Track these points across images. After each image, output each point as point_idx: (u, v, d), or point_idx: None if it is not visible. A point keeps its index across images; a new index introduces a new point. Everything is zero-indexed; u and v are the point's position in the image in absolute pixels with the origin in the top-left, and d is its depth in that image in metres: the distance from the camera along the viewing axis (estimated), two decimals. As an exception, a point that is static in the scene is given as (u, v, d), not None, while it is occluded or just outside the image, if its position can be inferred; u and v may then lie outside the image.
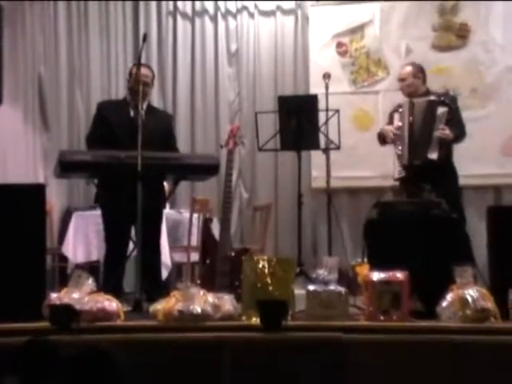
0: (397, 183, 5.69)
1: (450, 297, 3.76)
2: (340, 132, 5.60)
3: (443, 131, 5.49)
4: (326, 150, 5.77)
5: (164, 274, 6.15)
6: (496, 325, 3.62)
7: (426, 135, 5.53)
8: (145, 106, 5.15)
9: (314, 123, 5.63)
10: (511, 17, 7.35)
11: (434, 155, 5.50)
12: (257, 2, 7.98)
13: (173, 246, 6.54)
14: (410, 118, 5.55)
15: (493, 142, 7.26)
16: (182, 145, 7.78)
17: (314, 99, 5.79)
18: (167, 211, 6.73)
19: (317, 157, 6.57)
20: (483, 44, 7.41)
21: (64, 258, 6.71)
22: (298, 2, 7.89)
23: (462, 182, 5.89)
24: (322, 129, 5.71)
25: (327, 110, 5.70)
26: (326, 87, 5.82)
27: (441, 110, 5.55)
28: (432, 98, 5.69)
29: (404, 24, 7.56)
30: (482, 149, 7.10)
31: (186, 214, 6.60)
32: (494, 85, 7.36)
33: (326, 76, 5.94)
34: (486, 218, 4.27)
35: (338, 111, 5.63)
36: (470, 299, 3.69)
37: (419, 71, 5.83)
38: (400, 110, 5.70)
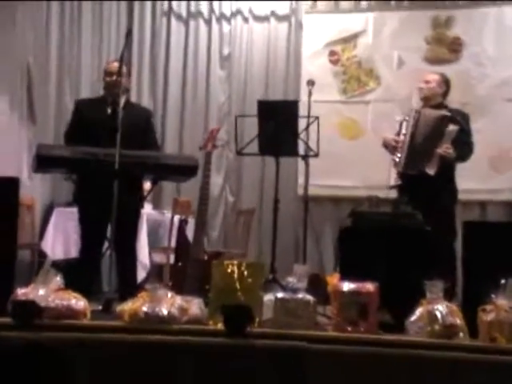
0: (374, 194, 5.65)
1: (418, 311, 3.70)
2: (319, 139, 5.53)
3: (447, 150, 5.46)
4: (305, 157, 5.72)
5: (142, 274, 6.12)
6: (462, 342, 3.56)
7: (428, 148, 5.51)
8: (122, 103, 5.07)
9: (293, 129, 5.57)
10: (504, 30, 7.33)
11: (432, 170, 5.48)
12: (251, 7, 7.98)
13: (153, 247, 6.51)
14: (414, 128, 5.54)
15: (481, 157, 7.20)
16: (170, 145, 7.82)
17: (293, 105, 5.76)
18: (149, 211, 6.72)
19: (303, 164, 6.50)
20: (475, 57, 7.39)
21: (45, 254, 6.68)
22: (293, 8, 7.87)
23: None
24: (302, 135, 5.66)
25: (308, 116, 5.64)
26: (309, 94, 5.77)
27: (451, 127, 5.52)
28: (445, 112, 5.63)
29: (397, 35, 7.55)
30: (470, 163, 7.04)
31: (168, 215, 6.56)
32: (485, 99, 7.33)
33: (310, 83, 5.90)
34: (461, 233, 4.23)
35: (317, 118, 5.57)
36: (438, 314, 3.64)
37: (445, 82, 5.84)
38: (406, 118, 5.67)
